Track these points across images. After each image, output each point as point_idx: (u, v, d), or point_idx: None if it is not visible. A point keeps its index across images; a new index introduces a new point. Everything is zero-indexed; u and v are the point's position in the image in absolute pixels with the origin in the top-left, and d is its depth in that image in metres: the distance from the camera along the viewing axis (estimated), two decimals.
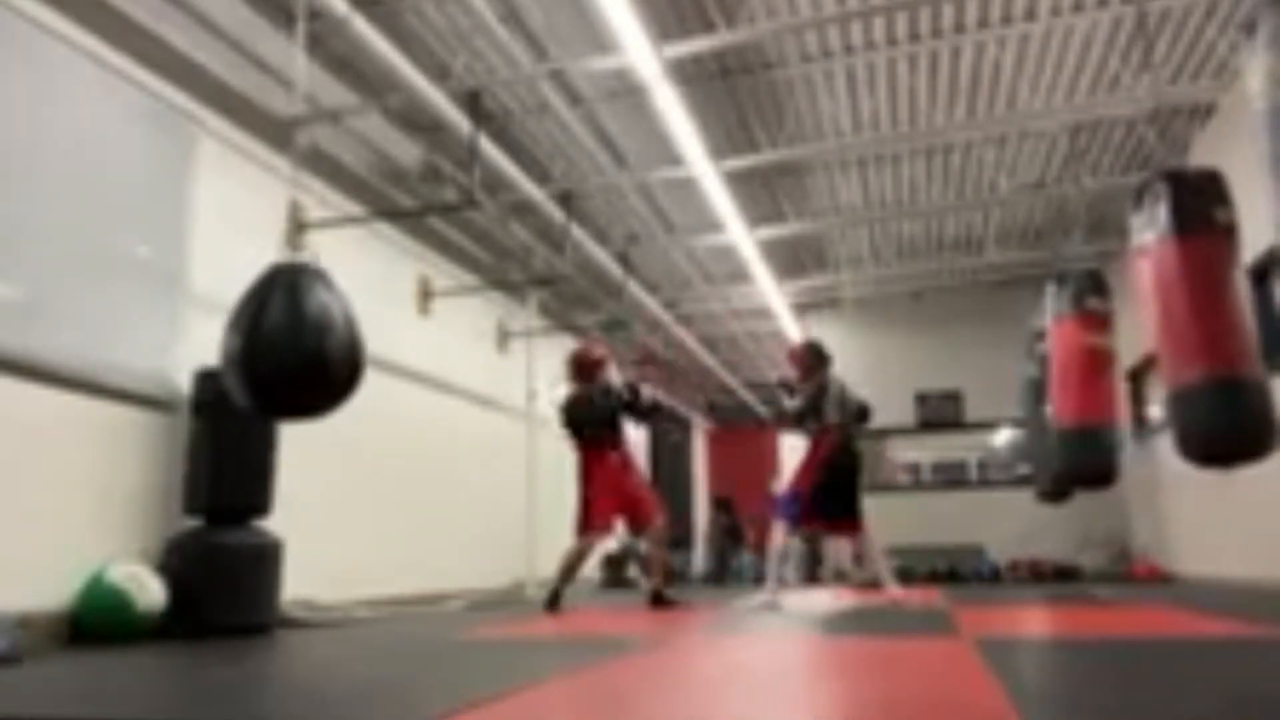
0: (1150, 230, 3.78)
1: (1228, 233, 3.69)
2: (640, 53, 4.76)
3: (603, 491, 5.39)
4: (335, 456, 5.23)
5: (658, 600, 5.31)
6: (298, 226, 3.45)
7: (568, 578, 5.29)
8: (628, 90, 5.80)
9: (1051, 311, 5.79)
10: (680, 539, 12.02)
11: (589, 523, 5.36)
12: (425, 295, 6.66)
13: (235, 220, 4.51)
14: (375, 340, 5.76)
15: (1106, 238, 8.17)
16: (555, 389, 5.80)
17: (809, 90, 6.25)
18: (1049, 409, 5.87)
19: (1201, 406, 3.58)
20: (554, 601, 5.19)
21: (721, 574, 11.34)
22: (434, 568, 6.23)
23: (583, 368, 5.74)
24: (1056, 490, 7.46)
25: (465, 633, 3.94)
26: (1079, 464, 5.53)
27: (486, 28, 4.92)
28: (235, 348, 3.04)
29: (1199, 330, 3.58)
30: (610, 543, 9.09)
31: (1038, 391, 7.26)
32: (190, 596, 3.73)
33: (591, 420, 5.55)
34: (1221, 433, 3.59)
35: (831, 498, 5.36)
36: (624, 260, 7.95)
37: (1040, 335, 6.53)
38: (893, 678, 2.46)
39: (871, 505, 10.40)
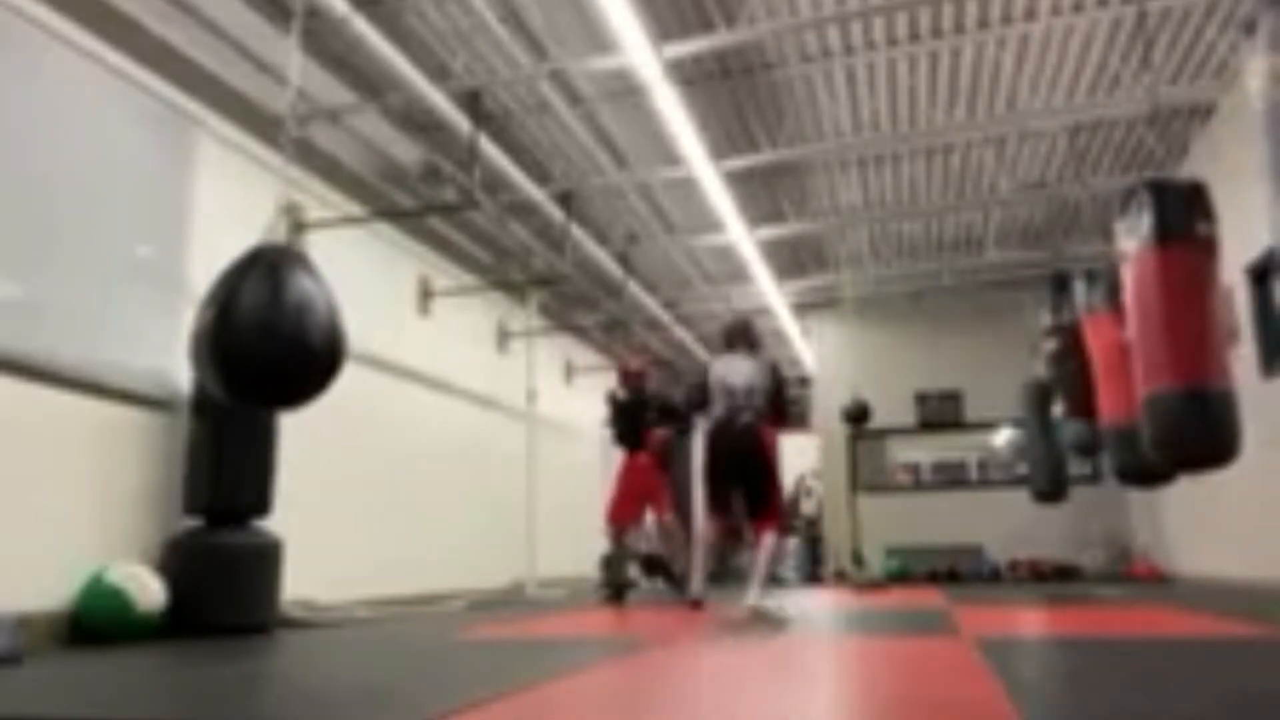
0: (1133, 237, 3.86)
1: (1208, 246, 3.78)
2: (640, 53, 4.75)
3: (626, 489, 6.26)
4: (335, 456, 5.23)
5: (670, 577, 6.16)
6: (296, 226, 3.43)
7: (684, 565, 6.11)
8: (628, 90, 5.80)
9: (1085, 308, 5.77)
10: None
11: (609, 516, 6.28)
12: (425, 295, 6.66)
13: (236, 220, 4.50)
14: (375, 340, 5.82)
15: (1107, 238, 8.17)
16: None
17: (809, 90, 6.25)
18: (1099, 408, 5.75)
19: (1172, 413, 3.71)
20: (682, 587, 5.90)
21: (721, 573, 11.33)
22: (434, 568, 6.23)
23: (625, 378, 6.60)
24: (1057, 491, 7.48)
25: (465, 633, 3.94)
26: (1130, 461, 5.47)
27: (486, 28, 4.92)
28: (207, 322, 2.82)
29: (1172, 340, 3.71)
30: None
31: (1041, 391, 7.26)
32: (190, 596, 3.73)
33: (627, 427, 6.37)
34: (1189, 439, 3.73)
35: (730, 486, 4.94)
36: (624, 260, 7.95)
37: (1048, 333, 6.49)
38: (893, 677, 2.46)
39: (872, 505, 10.58)
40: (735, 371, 4.87)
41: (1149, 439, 3.85)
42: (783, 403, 4.99)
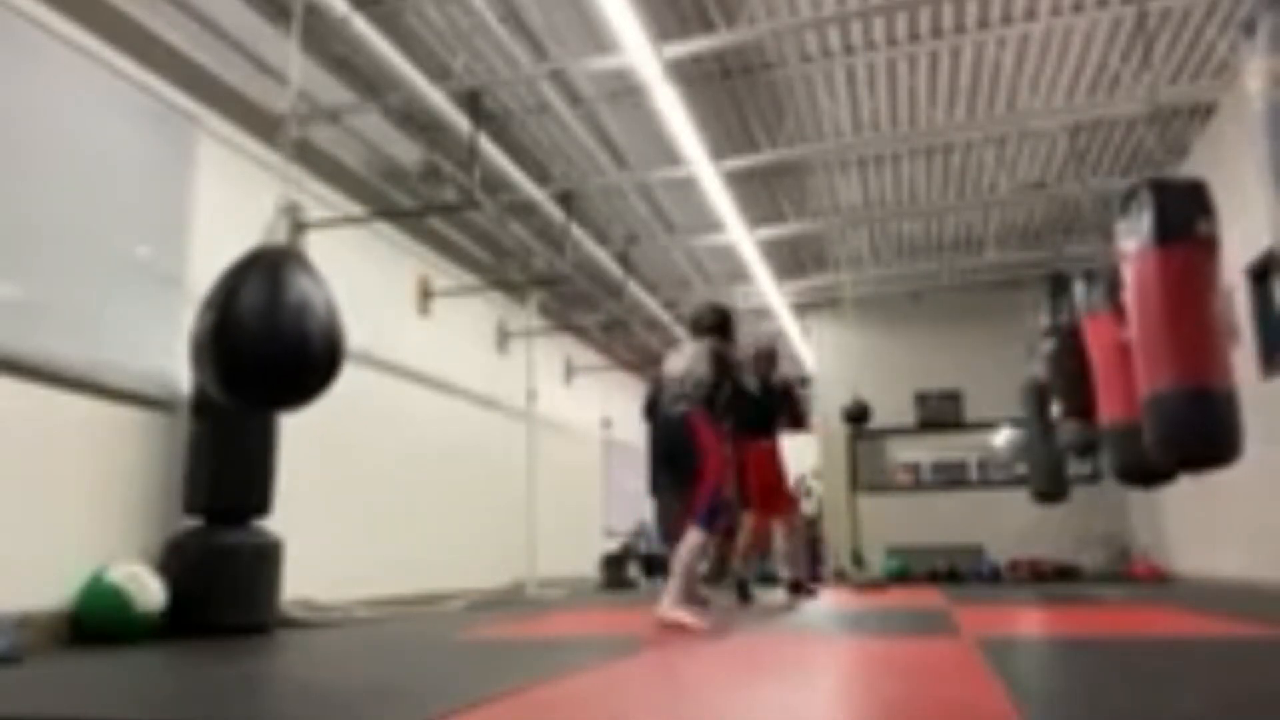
0: (1133, 237, 3.85)
1: (1208, 244, 3.77)
2: (640, 53, 4.75)
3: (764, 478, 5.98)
4: (335, 456, 5.23)
5: (796, 589, 5.95)
6: (296, 226, 3.43)
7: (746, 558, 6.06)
8: (628, 90, 5.80)
9: (1085, 308, 5.77)
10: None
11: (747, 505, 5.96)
12: (425, 295, 6.66)
13: (235, 220, 4.51)
14: (375, 340, 5.82)
15: (1107, 238, 8.17)
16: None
17: (809, 90, 6.25)
18: (1099, 408, 5.74)
19: (1173, 413, 3.71)
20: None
21: (721, 573, 11.32)
22: (434, 568, 6.23)
23: (756, 363, 6.28)
24: (1057, 491, 7.48)
25: (465, 633, 3.94)
26: (1131, 461, 5.46)
27: (486, 28, 4.92)
28: (207, 325, 2.79)
29: (1172, 340, 3.71)
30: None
31: (1040, 391, 7.26)
32: (190, 596, 3.73)
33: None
34: (1191, 439, 3.73)
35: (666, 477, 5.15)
36: (624, 260, 7.94)
37: (1046, 334, 6.49)
38: (894, 678, 2.46)
39: (872, 505, 10.58)
40: (676, 360, 4.51)
41: (1151, 439, 3.85)
42: (713, 391, 4.30)
